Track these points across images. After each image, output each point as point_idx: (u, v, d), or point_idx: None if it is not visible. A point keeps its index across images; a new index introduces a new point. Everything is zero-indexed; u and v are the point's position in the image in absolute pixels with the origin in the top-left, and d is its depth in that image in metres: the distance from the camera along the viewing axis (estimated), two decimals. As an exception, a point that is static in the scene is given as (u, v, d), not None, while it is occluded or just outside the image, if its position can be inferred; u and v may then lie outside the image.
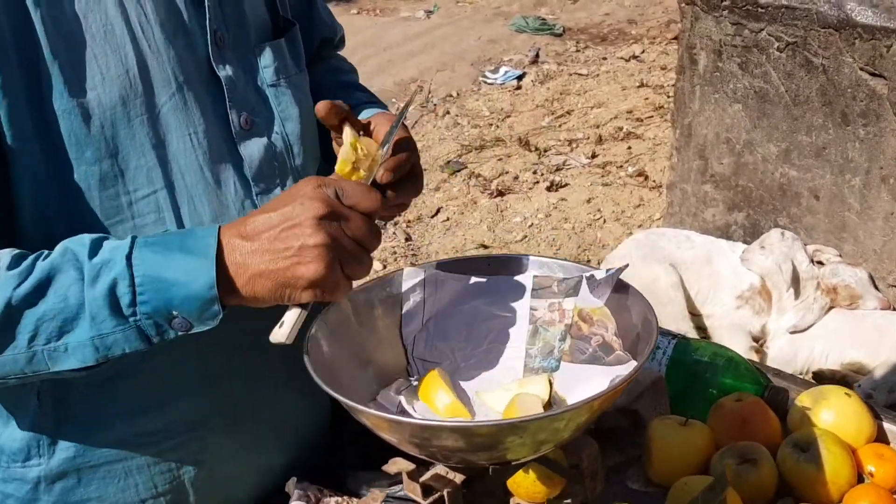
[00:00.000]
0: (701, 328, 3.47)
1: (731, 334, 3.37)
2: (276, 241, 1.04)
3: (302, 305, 1.08)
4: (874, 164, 3.17)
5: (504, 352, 1.26)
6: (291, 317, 1.08)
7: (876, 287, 3.29)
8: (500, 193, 4.76)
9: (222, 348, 1.27)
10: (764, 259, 3.36)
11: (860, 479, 1.43)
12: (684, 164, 3.75)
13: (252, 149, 1.27)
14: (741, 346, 3.31)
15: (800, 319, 3.29)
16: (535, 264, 1.28)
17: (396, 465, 1.11)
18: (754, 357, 3.28)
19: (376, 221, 1.10)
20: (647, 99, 5.62)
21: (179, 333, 1.08)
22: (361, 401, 1.19)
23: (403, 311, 1.27)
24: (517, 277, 1.27)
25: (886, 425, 1.52)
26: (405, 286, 1.27)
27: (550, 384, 1.22)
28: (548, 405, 1.20)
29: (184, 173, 1.20)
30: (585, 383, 1.17)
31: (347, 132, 1.16)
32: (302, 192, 1.06)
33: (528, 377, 1.24)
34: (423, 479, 1.15)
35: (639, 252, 3.59)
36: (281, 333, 1.07)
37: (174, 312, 1.06)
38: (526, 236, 4.40)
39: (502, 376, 1.25)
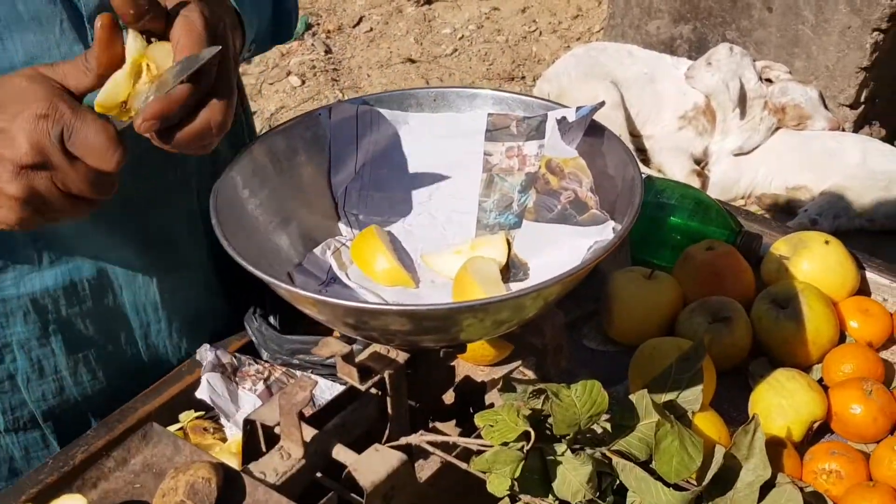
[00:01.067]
0: (641, 150, 3.32)
1: (671, 156, 3.23)
2: None
3: None
4: (833, -27, 2.96)
5: (453, 204, 1.06)
6: None
7: (826, 107, 3.14)
8: (428, 1, 4.44)
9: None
10: (710, 76, 3.17)
11: (842, 336, 1.29)
12: (628, -29, 3.49)
13: None
14: (682, 169, 3.18)
15: (745, 141, 3.14)
16: (489, 99, 1.06)
17: (329, 348, 0.92)
18: (695, 181, 3.14)
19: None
20: None
21: None
22: (283, 267, 0.98)
23: (332, 156, 1.05)
24: (468, 115, 1.06)
25: (869, 275, 1.38)
26: (333, 125, 1.05)
27: (509, 244, 1.02)
28: (505, 269, 1.02)
29: None
30: (552, 246, 0.97)
31: (132, 41, 0.84)
32: (13, 115, 0.81)
33: (483, 236, 1.04)
34: (359, 359, 0.96)
35: (578, 69, 3.38)
36: None
37: None
38: (456, 50, 4.13)
39: (451, 234, 1.05)
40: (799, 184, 3.04)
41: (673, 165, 3.21)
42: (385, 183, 1.06)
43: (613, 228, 0.93)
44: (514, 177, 1.04)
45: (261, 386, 1.22)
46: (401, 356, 0.96)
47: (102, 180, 0.84)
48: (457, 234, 1.05)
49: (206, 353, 1.23)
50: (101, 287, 1.15)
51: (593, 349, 1.36)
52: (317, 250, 1.02)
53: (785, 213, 3.02)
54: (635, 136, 3.33)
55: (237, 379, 1.23)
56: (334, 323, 0.90)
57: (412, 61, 4.06)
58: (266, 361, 1.25)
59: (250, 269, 0.85)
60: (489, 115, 1.04)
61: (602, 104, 0.97)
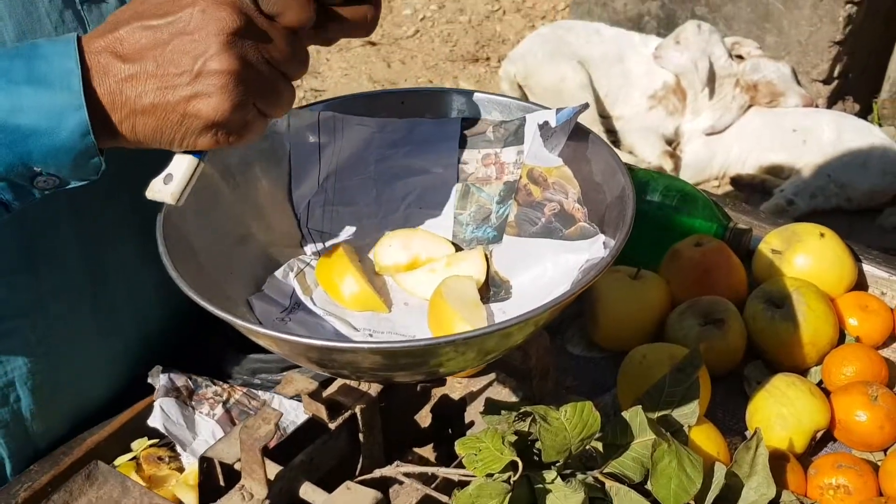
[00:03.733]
0: (611, 131, 3.25)
1: (642, 137, 3.17)
2: (165, 64, 0.75)
3: (198, 153, 0.78)
4: (804, -55, 2.89)
5: (426, 218, 0.97)
6: (181, 167, 0.78)
7: (799, 83, 3.07)
8: (388, -18, 4.33)
9: (50, 209, 0.96)
10: (678, 55, 3.10)
11: (841, 335, 1.22)
12: (593, -52, 3.40)
13: None
14: (653, 150, 3.11)
15: (716, 120, 3.07)
16: (463, 101, 0.97)
17: (293, 385, 0.83)
18: (667, 162, 3.07)
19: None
20: None
21: (47, 192, 0.82)
22: (241, 294, 0.89)
23: (292, 169, 0.96)
24: (441, 120, 0.97)
25: (867, 268, 1.30)
26: (292, 134, 0.95)
27: (487, 260, 0.94)
28: (485, 288, 0.93)
29: None
30: (537, 262, 0.89)
31: None
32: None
33: (459, 252, 0.95)
34: (327, 393, 0.88)
35: (544, 48, 3.30)
36: (167, 191, 0.78)
37: (36, 169, 0.78)
38: (418, 31, 4.02)
39: (425, 250, 0.96)
40: (774, 163, 2.98)
41: (644, 146, 3.14)
42: (351, 196, 0.97)
43: (604, 243, 0.84)
44: (492, 186, 0.95)
45: (219, 410, 1.14)
46: (373, 388, 0.88)
47: (301, 50, 0.79)
48: (430, 249, 0.96)
49: (158, 376, 1.14)
50: None
51: (578, 355, 1.28)
52: (278, 273, 0.93)
53: (760, 193, 2.96)
54: (605, 116, 3.25)
55: (193, 403, 1.14)
56: (297, 359, 0.81)
57: (372, 44, 3.95)
58: (225, 382, 1.16)
59: (201, 302, 0.76)
60: (463, 119, 0.95)
61: (586, 106, 0.88)
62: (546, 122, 0.89)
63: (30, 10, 0.93)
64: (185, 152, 0.79)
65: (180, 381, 1.15)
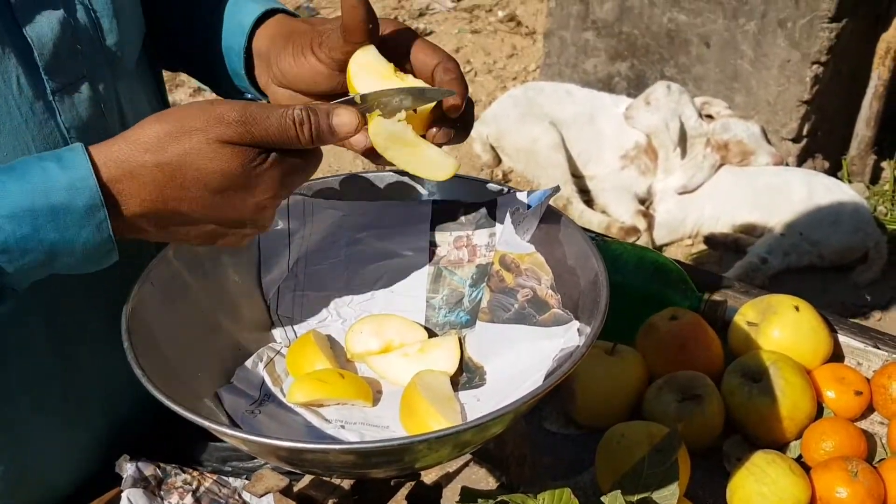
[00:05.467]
0: (584, 191, 3.26)
1: (615, 197, 3.18)
2: (221, 209, 0.80)
3: None
4: (771, 5, 2.92)
5: (399, 302, 0.95)
6: None
7: (769, 141, 3.10)
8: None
9: (21, 304, 0.94)
10: (649, 115, 3.12)
11: (819, 407, 1.21)
12: (563, 10, 3.43)
13: (42, 27, 0.90)
14: (627, 210, 3.12)
15: (688, 179, 3.09)
16: (434, 183, 0.96)
17: (263, 484, 0.81)
18: (641, 221, 3.08)
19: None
20: (513, -66, 5.20)
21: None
22: (209, 388, 0.87)
23: (261, 254, 0.94)
24: (411, 202, 0.95)
25: (842, 338, 1.30)
26: (261, 220, 0.93)
27: (461, 346, 0.92)
28: (458, 373, 0.91)
29: None
30: (511, 348, 0.87)
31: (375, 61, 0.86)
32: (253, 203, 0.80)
33: (432, 337, 0.94)
34: (298, 488, 0.85)
35: (516, 110, 3.32)
36: None
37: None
38: (391, 92, 4.03)
39: (398, 335, 0.94)
40: (746, 222, 2.99)
41: (618, 206, 3.15)
42: (322, 281, 0.96)
43: (579, 329, 0.83)
44: (464, 269, 0.94)
45: (189, 499, 1.10)
46: (346, 482, 0.85)
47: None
48: (403, 335, 0.94)
49: (126, 465, 1.11)
50: None
51: (555, 433, 1.25)
52: (248, 363, 0.91)
53: (734, 251, 2.96)
54: (578, 176, 3.26)
55: (162, 493, 1.10)
56: (267, 458, 0.79)
57: (347, 106, 3.96)
58: (195, 469, 1.13)
59: (166, 402, 0.74)
60: (434, 202, 0.94)
61: (557, 189, 0.87)
62: (518, 207, 0.88)
63: None
64: None
65: (148, 470, 1.11)
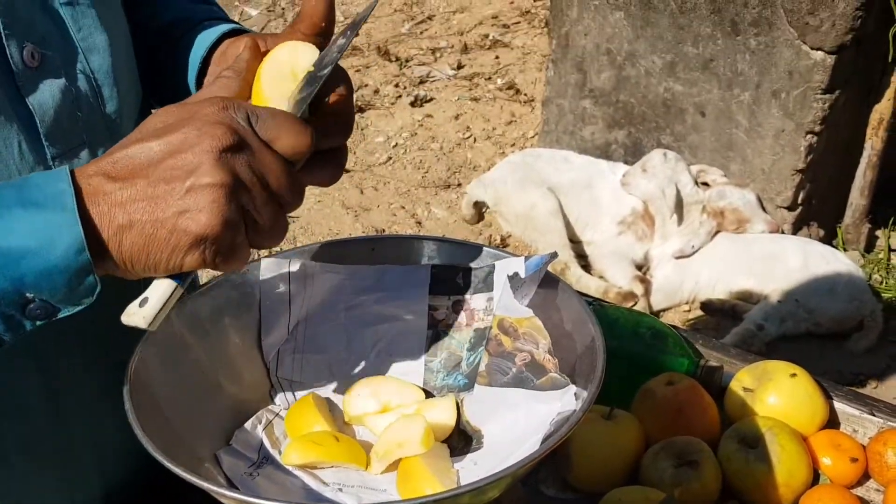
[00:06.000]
0: (582, 256, 3.28)
1: (612, 262, 3.20)
2: (156, 181, 0.74)
3: (178, 277, 0.77)
4: (765, 77, 2.97)
5: (397, 366, 0.96)
6: (159, 291, 0.76)
7: (764, 209, 3.13)
8: (360, 109, 4.40)
9: (10, 359, 0.94)
10: (646, 183, 3.16)
11: (815, 474, 1.21)
12: (561, 78, 3.48)
13: (44, 95, 0.92)
14: (624, 275, 3.13)
15: (685, 245, 3.11)
16: (433, 248, 0.97)
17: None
18: (638, 287, 3.09)
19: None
20: (512, 3, 5.29)
21: (38, 323, 0.77)
22: (209, 449, 0.87)
23: (262, 317, 0.95)
24: (411, 266, 0.97)
25: (838, 405, 1.30)
26: (262, 283, 0.95)
27: (458, 408, 0.93)
28: (456, 435, 0.92)
29: None
30: (508, 412, 0.88)
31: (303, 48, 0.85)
32: (199, 115, 0.75)
33: (429, 400, 0.94)
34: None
35: (514, 176, 3.36)
36: (140, 314, 0.76)
37: (29, 295, 0.75)
38: (391, 158, 4.08)
39: (396, 397, 0.95)
40: (743, 288, 3.01)
41: (615, 271, 3.17)
42: (322, 344, 0.97)
43: (576, 394, 0.84)
44: (462, 333, 0.95)
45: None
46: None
47: (296, 179, 0.78)
48: (401, 397, 0.95)
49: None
50: None
51: (552, 497, 1.25)
52: (247, 425, 0.92)
53: (731, 317, 2.97)
54: (575, 241, 3.29)
55: (162, 555, 1.10)
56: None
57: (346, 171, 4.00)
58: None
59: (167, 464, 0.75)
60: (433, 266, 0.96)
61: (554, 255, 0.89)
62: (516, 273, 0.90)
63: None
64: (164, 277, 0.77)
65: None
